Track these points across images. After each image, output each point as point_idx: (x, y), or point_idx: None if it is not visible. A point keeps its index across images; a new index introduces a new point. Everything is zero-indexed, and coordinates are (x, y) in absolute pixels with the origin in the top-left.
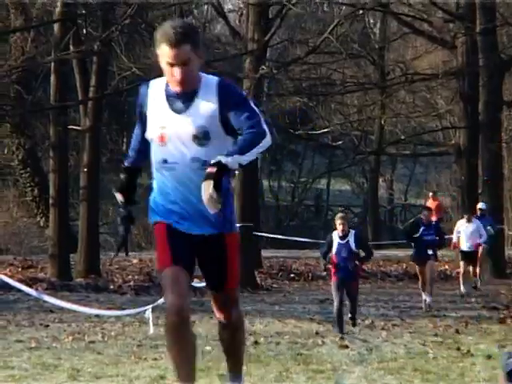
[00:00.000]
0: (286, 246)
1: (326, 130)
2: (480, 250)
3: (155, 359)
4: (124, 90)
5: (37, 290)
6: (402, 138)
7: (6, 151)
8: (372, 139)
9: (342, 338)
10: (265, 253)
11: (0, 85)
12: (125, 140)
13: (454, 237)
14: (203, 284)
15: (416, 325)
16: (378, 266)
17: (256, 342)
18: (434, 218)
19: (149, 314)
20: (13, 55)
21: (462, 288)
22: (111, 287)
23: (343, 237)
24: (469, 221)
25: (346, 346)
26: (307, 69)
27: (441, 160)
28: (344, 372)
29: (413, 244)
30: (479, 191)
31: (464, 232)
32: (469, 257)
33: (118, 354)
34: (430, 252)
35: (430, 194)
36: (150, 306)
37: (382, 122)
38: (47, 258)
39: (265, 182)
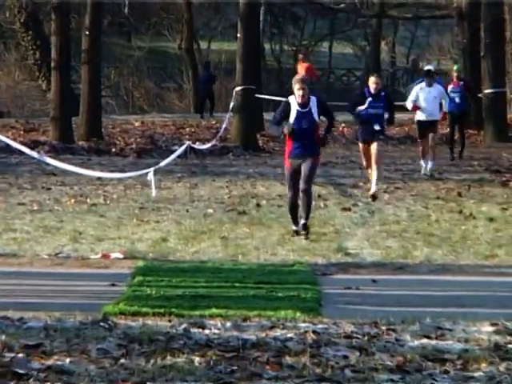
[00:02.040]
0: None
1: None
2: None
3: (157, 222)
4: None
5: (39, 152)
6: (404, 0)
7: (7, 14)
8: (374, 2)
9: (296, 232)
10: (267, 115)
11: None
12: (126, 3)
13: (409, 103)
14: (205, 146)
15: (418, 188)
16: None
17: (258, 205)
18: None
19: (151, 177)
20: None
21: (422, 168)
22: (113, 150)
23: (303, 105)
24: (430, 85)
25: (349, 209)
26: None
27: (443, 23)
28: (346, 234)
29: (357, 120)
30: (481, 54)
31: (423, 98)
32: (429, 128)
33: (120, 216)
34: (377, 128)
35: (300, 56)
36: (152, 168)
37: None
38: (49, 121)
39: (266, 46)
